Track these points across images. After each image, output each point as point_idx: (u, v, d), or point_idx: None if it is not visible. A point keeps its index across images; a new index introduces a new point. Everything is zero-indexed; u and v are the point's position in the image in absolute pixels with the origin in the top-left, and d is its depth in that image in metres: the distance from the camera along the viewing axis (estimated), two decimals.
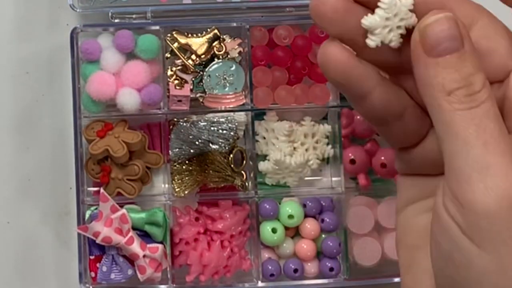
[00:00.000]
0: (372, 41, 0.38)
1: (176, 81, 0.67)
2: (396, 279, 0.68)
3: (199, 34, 0.68)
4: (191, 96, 0.67)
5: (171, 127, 0.68)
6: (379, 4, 0.37)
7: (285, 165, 0.67)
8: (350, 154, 0.68)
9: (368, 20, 0.37)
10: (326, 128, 0.69)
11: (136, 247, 0.64)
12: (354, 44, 0.38)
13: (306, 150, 0.68)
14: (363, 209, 0.69)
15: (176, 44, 0.67)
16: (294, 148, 0.68)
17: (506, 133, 0.35)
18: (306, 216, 0.69)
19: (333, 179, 0.70)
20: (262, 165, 0.68)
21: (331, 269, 0.68)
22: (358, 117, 0.68)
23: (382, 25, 0.37)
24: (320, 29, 0.40)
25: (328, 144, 0.69)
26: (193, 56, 0.67)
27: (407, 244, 0.40)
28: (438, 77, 0.36)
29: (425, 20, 0.36)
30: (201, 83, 0.68)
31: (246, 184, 0.68)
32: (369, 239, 0.69)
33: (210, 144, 0.67)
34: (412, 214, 0.40)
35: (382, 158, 0.68)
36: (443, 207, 0.35)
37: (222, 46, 0.68)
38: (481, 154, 0.34)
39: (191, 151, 0.67)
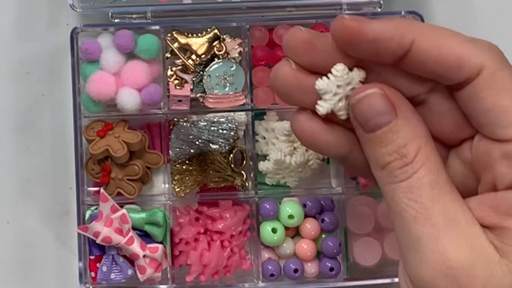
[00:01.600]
0: (321, 108, 0.39)
1: (176, 81, 0.67)
2: (396, 279, 0.68)
3: (199, 34, 0.68)
4: (191, 96, 0.67)
5: (171, 127, 0.68)
6: (332, 70, 0.38)
7: (285, 165, 0.67)
8: None
9: (320, 83, 0.38)
10: None
11: (136, 247, 0.64)
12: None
13: (307, 150, 0.68)
14: (363, 209, 0.69)
15: (176, 44, 0.67)
16: (294, 148, 0.68)
17: (443, 195, 0.35)
18: (306, 216, 0.69)
19: (333, 179, 0.70)
20: (262, 165, 0.68)
21: (331, 269, 0.68)
22: None
23: (333, 91, 0.38)
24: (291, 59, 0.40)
25: None
26: (193, 56, 0.67)
27: None
28: (372, 152, 0.37)
29: (354, 96, 0.37)
30: (201, 83, 0.68)
31: (246, 184, 0.68)
32: (369, 239, 0.69)
33: (210, 144, 0.67)
34: None
35: None
36: (403, 279, 0.37)
37: (222, 46, 0.68)
38: (412, 227, 0.34)
39: (191, 151, 0.67)
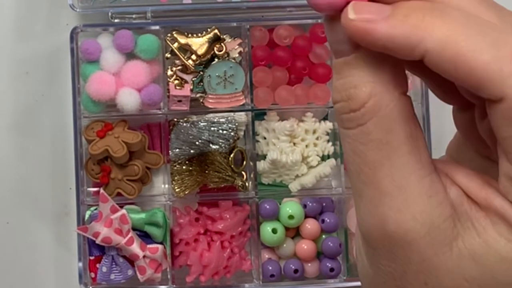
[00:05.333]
0: None
1: (176, 81, 0.67)
2: None
3: (199, 34, 0.68)
4: (191, 96, 0.67)
5: (171, 127, 0.67)
6: None
7: (281, 164, 0.67)
8: None
9: None
10: (327, 125, 0.69)
11: (136, 247, 0.64)
12: None
13: (306, 146, 0.68)
14: None
15: (176, 44, 0.67)
16: (294, 144, 0.68)
17: (394, 158, 0.31)
18: (306, 216, 0.69)
19: (333, 179, 0.70)
20: (258, 165, 0.68)
21: (332, 270, 0.68)
22: None
23: None
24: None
25: (328, 141, 0.69)
26: (193, 56, 0.67)
27: None
28: (333, 80, 0.32)
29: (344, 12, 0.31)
30: (201, 83, 0.67)
31: (246, 184, 0.68)
32: None
33: (210, 145, 0.67)
34: None
35: None
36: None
37: (222, 46, 0.68)
38: (356, 182, 0.31)
39: (191, 151, 0.67)
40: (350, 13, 0.31)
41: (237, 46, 0.68)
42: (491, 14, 0.31)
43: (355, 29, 0.31)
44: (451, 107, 0.42)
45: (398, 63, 0.32)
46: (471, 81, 0.30)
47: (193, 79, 0.67)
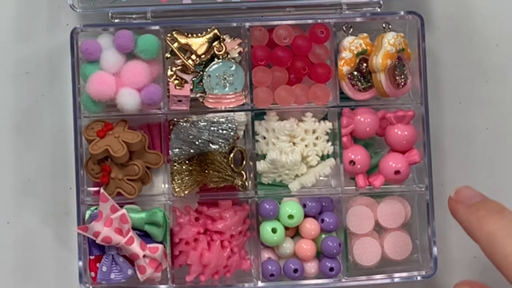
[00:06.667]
0: None
1: (176, 81, 0.67)
2: (396, 279, 0.69)
3: (199, 34, 0.68)
4: (191, 96, 0.67)
5: (171, 127, 0.68)
6: None
7: (281, 164, 0.67)
8: (350, 154, 0.68)
9: None
10: (327, 125, 0.69)
11: (136, 247, 0.64)
12: None
13: (306, 146, 0.68)
14: (363, 209, 0.69)
15: (176, 44, 0.67)
16: (294, 144, 0.68)
17: None
18: (306, 216, 0.69)
19: (333, 179, 0.70)
20: (258, 165, 0.68)
21: (331, 269, 0.68)
22: (359, 117, 0.68)
23: None
24: None
25: (328, 141, 0.69)
26: (193, 56, 0.67)
27: None
28: None
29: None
30: (201, 83, 0.68)
31: (246, 184, 0.68)
32: (369, 239, 0.69)
33: (210, 144, 0.67)
34: None
35: (394, 165, 0.68)
36: None
37: (222, 46, 0.68)
38: None
39: (191, 151, 0.67)
40: (452, 193, 0.57)
41: (237, 46, 0.68)
42: None
43: (449, 204, 0.56)
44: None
45: None
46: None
47: (193, 79, 0.68)
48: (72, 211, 0.68)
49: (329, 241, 0.68)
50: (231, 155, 0.68)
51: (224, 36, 0.68)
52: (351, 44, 0.68)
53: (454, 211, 0.56)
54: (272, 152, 0.67)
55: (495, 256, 0.51)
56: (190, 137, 0.67)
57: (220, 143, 0.67)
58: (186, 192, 0.67)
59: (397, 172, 0.68)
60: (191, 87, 0.67)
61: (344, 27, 0.69)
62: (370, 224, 0.69)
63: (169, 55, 0.68)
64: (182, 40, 0.67)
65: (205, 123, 0.67)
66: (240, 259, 0.68)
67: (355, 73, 0.68)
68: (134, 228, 0.65)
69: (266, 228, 0.68)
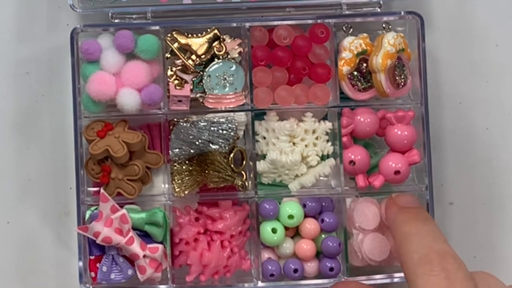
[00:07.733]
0: None
1: (176, 81, 0.67)
2: (396, 279, 0.69)
3: (199, 34, 0.68)
4: (191, 96, 0.67)
5: (171, 127, 0.68)
6: None
7: (281, 164, 0.67)
8: (350, 155, 0.68)
9: None
10: (327, 125, 0.69)
11: (136, 247, 0.64)
12: None
13: (306, 146, 0.68)
14: (369, 206, 0.69)
15: (176, 44, 0.67)
16: (294, 144, 0.68)
17: None
18: (306, 216, 0.69)
19: (333, 179, 0.70)
20: (258, 165, 0.68)
21: (331, 269, 0.68)
22: (359, 117, 0.68)
23: None
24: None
25: (328, 141, 0.69)
26: (193, 56, 0.67)
27: None
28: None
29: None
30: (201, 83, 0.68)
31: (246, 184, 0.68)
32: (378, 234, 0.69)
33: (210, 144, 0.67)
34: None
35: (394, 165, 0.68)
36: None
37: (222, 46, 0.68)
38: None
39: (191, 151, 0.67)
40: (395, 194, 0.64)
41: (237, 46, 0.68)
42: None
43: (387, 202, 0.63)
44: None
45: None
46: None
47: (193, 79, 0.68)
48: (72, 211, 0.68)
49: (329, 241, 0.68)
50: (231, 155, 0.68)
51: (224, 36, 0.68)
52: (351, 44, 0.68)
53: (387, 207, 0.62)
54: (272, 152, 0.67)
55: (402, 254, 0.54)
56: (190, 137, 0.67)
57: (220, 143, 0.67)
58: (186, 192, 0.67)
59: (397, 172, 0.68)
60: (191, 87, 0.67)
61: (344, 27, 0.69)
62: (377, 219, 0.69)
63: (169, 55, 0.68)
64: (182, 40, 0.67)
65: (205, 123, 0.67)
66: (240, 259, 0.68)
67: (355, 73, 0.68)
68: (134, 228, 0.65)
69: (266, 228, 0.68)
